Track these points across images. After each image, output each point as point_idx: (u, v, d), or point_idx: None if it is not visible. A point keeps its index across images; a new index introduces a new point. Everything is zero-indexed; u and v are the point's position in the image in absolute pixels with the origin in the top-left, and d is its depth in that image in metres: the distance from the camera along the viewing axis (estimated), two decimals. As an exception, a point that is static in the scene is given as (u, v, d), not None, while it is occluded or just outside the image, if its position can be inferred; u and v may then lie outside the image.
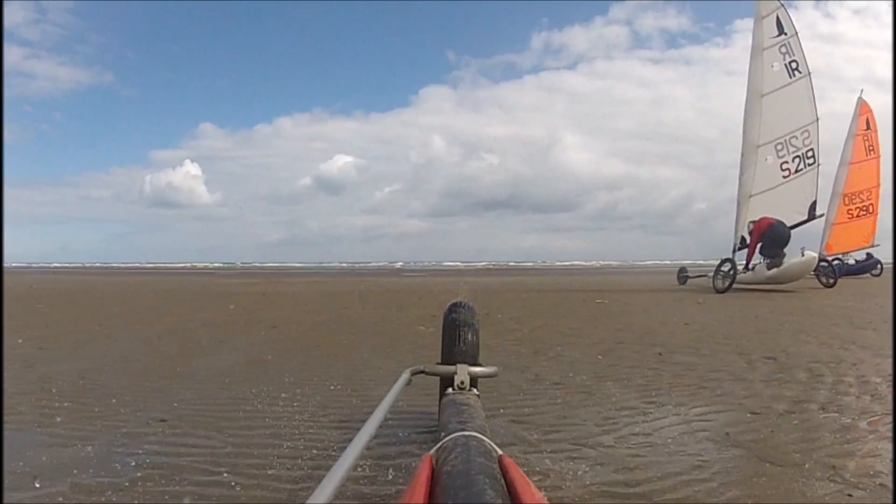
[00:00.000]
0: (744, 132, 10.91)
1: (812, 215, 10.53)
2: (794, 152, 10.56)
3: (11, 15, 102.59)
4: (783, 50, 10.98)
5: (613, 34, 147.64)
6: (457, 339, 1.85)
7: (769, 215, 10.04)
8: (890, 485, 1.48)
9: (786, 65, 10.89)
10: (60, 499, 1.44)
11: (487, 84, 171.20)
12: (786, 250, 9.81)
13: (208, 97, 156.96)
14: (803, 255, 9.52)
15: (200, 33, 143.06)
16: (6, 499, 1.45)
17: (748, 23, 11.42)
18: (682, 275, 12.14)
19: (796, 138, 10.60)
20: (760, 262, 10.13)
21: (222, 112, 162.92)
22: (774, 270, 9.70)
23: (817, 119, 10.65)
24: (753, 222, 10.18)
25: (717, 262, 10.25)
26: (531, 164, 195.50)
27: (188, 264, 63.03)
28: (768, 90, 10.83)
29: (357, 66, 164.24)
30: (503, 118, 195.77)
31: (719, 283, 9.80)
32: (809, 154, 10.54)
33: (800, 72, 10.87)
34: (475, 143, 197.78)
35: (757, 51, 11.09)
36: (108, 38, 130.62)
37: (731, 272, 9.77)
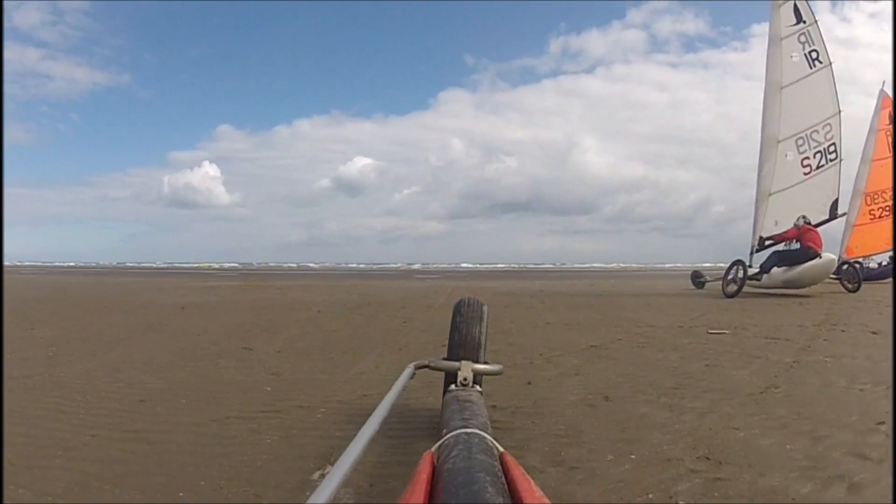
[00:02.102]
0: (762, 127, 10.28)
1: (833, 215, 9.86)
2: (815, 147, 9.90)
3: (28, 17, 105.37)
4: (802, 39, 10.34)
5: (631, 38, 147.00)
6: (463, 335, 1.83)
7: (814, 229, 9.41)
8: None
9: (805, 55, 10.26)
10: None
11: (506, 88, 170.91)
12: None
13: (227, 99, 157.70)
14: (821, 258, 8.88)
15: (218, 35, 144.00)
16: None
17: (766, 27, 10.79)
18: (698, 280, 11.45)
19: (818, 132, 9.94)
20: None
21: (241, 114, 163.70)
22: (791, 274, 9.09)
23: (839, 111, 10.00)
24: (808, 223, 9.33)
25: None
26: (550, 166, 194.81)
27: (203, 264, 63.59)
28: (788, 82, 10.19)
29: (375, 70, 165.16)
30: (522, 121, 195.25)
31: (730, 288, 9.22)
32: (831, 149, 9.88)
33: (820, 62, 10.22)
34: (494, 145, 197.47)
35: (774, 40, 10.46)
36: (125, 39, 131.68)
37: (742, 276, 9.16)
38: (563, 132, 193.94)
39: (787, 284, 9.28)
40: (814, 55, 10.27)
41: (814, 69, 10.19)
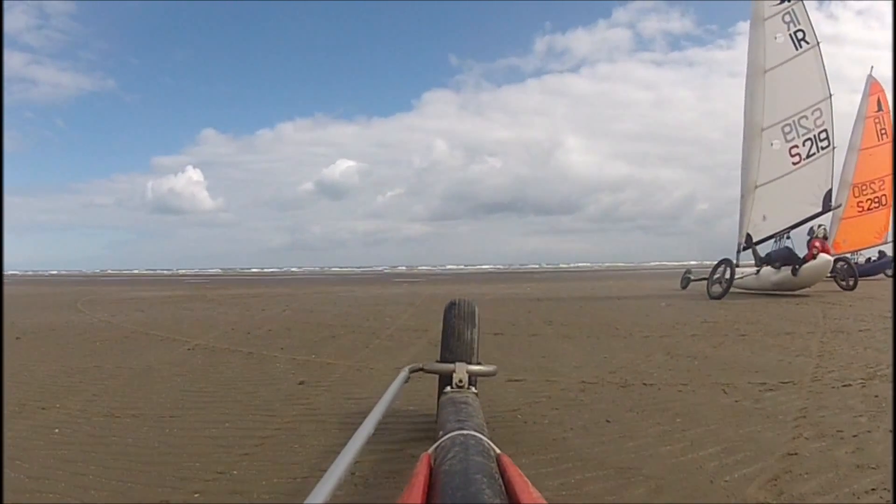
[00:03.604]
0: (745, 114, 9.45)
1: (827, 206, 9.06)
2: (804, 135, 9.08)
3: (13, 21, 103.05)
4: (787, 18, 9.53)
5: (616, 37, 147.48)
6: (456, 337, 1.84)
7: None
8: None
9: (791, 35, 9.45)
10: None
11: (490, 88, 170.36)
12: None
13: (210, 103, 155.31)
14: (815, 259, 8.11)
15: (202, 39, 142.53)
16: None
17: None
18: (686, 276, 10.70)
19: (806, 118, 9.13)
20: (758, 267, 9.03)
21: (224, 118, 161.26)
22: (783, 275, 8.39)
23: (830, 95, 9.19)
24: (826, 235, 8.98)
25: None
26: (534, 166, 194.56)
27: (184, 271, 64.18)
28: (772, 65, 9.38)
29: (358, 71, 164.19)
30: (506, 121, 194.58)
31: (715, 289, 8.47)
32: (822, 136, 9.07)
33: (807, 42, 9.42)
34: (478, 146, 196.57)
35: (757, 21, 9.65)
36: (110, 44, 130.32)
37: (729, 276, 8.41)
38: (547, 132, 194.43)
39: (779, 286, 8.54)
40: (800, 35, 9.47)
41: (800, 50, 9.38)
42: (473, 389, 1.61)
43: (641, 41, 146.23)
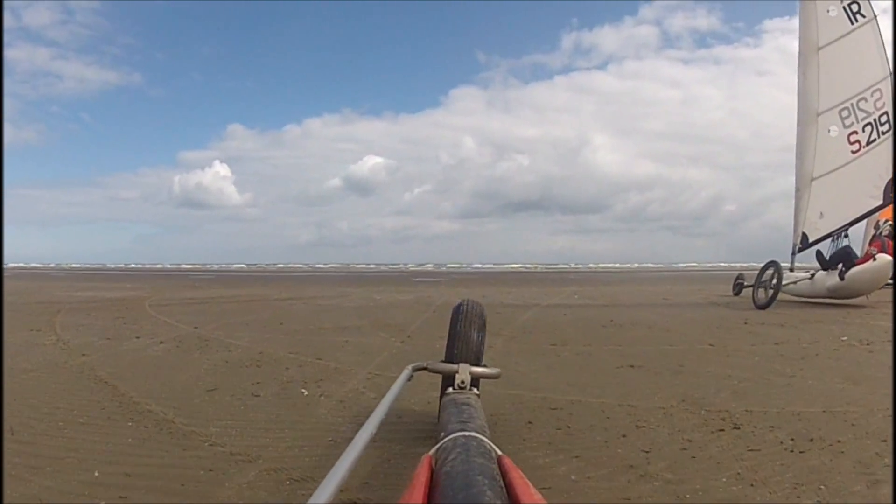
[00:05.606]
0: (798, 98, 8.61)
1: (888, 198, 8.19)
2: (864, 119, 8.23)
3: (38, 16, 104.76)
4: (839, -10, 8.64)
5: (643, 34, 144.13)
6: (461, 337, 1.84)
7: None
8: None
9: (845, 7, 8.56)
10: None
11: (517, 84, 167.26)
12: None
13: (236, 98, 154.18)
14: (875, 260, 7.30)
15: (228, 34, 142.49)
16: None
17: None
18: (738, 282, 9.89)
19: (865, 101, 8.27)
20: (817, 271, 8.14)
21: (251, 113, 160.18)
22: (836, 281, 7.58)
23: (891, 73, 8.30)
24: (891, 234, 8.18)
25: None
26: (561, 164, 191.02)
27: (207, 265, 63.80)
28: (825, 41, 8.52)
29: (386, 67, 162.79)
30: (534, 119, 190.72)
31: (761, 296, 7.57)
32: (883, 119, 8.21)
33: (863, 15, 8.53)
34: (506, 143, 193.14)
35: (807, -7, 8.76)
36: (136, 39, 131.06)
37: (775, 281, 7.45)
38: (574, 129, 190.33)
39: (834, 293, 7.65)
40: (854, 8, 8.57)
41: (856, 24, 8.49)
42: (475, 391, 1.62)
43: (668, 38, 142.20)
